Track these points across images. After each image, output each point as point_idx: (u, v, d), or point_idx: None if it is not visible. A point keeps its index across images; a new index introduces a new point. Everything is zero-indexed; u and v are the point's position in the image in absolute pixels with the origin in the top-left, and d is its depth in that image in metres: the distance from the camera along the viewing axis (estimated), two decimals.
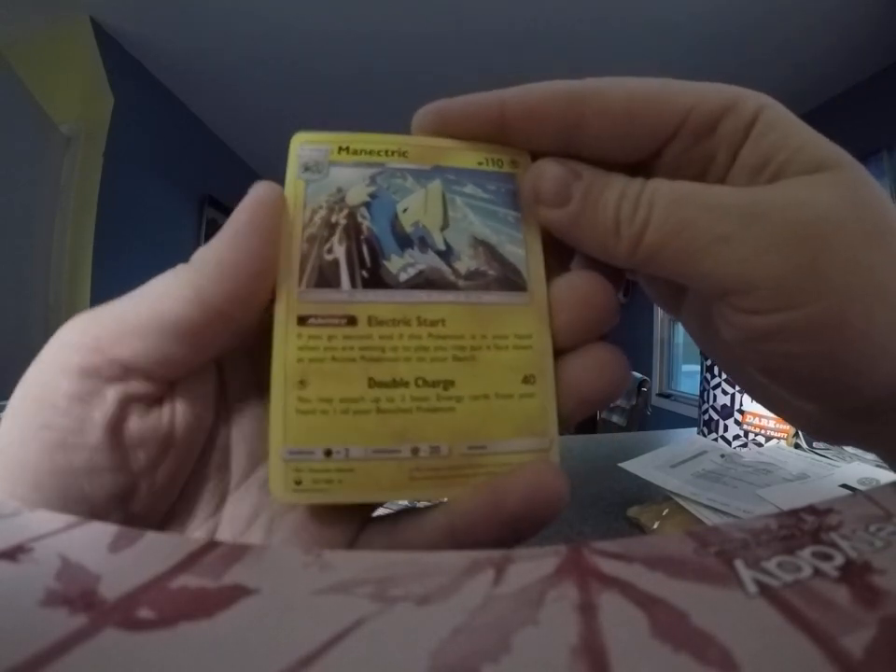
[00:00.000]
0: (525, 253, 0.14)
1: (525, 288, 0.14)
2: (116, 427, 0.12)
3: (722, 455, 0.52)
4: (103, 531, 0.09)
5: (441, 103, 0.14)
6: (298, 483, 0.12)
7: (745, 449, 0.56)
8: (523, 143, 0.14)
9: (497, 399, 0.13)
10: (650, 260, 0.13)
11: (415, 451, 0.13)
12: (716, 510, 0.39)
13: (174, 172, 2.02)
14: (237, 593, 0.07)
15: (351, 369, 0.13)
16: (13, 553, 0.08)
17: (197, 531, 0.14)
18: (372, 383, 0.13)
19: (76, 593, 0.07)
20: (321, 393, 0.13)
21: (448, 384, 0.13)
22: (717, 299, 0.13)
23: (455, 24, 1.59)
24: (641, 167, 0.14)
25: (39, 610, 0.06)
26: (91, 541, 0.08)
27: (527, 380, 0.13)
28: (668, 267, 0.13)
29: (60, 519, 0.09)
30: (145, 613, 0.06)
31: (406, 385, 0.13)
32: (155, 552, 0.08)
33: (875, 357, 0.11)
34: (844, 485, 0.42)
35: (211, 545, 0.09)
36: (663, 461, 0.50)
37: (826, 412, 0.14)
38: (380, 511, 0.15)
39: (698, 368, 0.67)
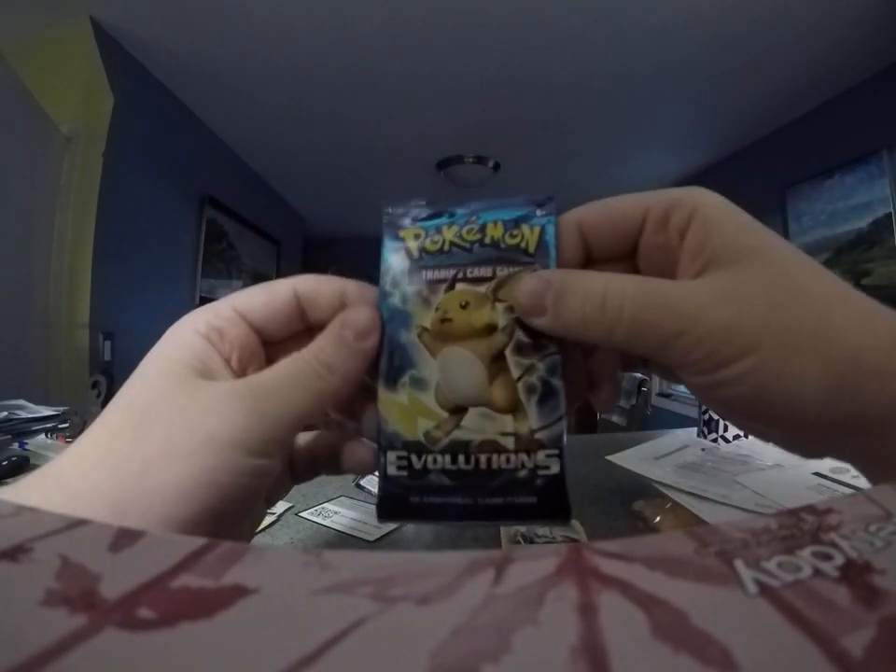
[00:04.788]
0: None
1: None
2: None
3: (703, 449, 0.55)
4: (103, 531, 0.09)
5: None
6: None
7: (723, 443, 0.57)
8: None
9: None
10: (621, 346, 0.17)
11: None
12: (697, 495, 0.42)
13: (174, 172, 2.02)
14: (237, 593, 0.07)
15: None
16: (13, 553, 0.08)
17: None
18: None
19: (76, 593, 0.07)
20: None
21: None
22: (674, 366, 0.17)
23: (456, 23, 1.59)
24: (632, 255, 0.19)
25: (39, 610, 0.06)
26: (90, 541, 0.08)
27: None
28: (636, 350, 0.17)
29: (60, 519, 0.09)
30: (145, 613, 0.06)
31: None
32: (155, 551, 0.08)
33: (792, 397, 0.15)
34: (816, 473, 0.45)
35: (211, 545, 0.08)
36: (646, 454, 0.54)
37: (784, 437, 0.17)
38: None
39: None
